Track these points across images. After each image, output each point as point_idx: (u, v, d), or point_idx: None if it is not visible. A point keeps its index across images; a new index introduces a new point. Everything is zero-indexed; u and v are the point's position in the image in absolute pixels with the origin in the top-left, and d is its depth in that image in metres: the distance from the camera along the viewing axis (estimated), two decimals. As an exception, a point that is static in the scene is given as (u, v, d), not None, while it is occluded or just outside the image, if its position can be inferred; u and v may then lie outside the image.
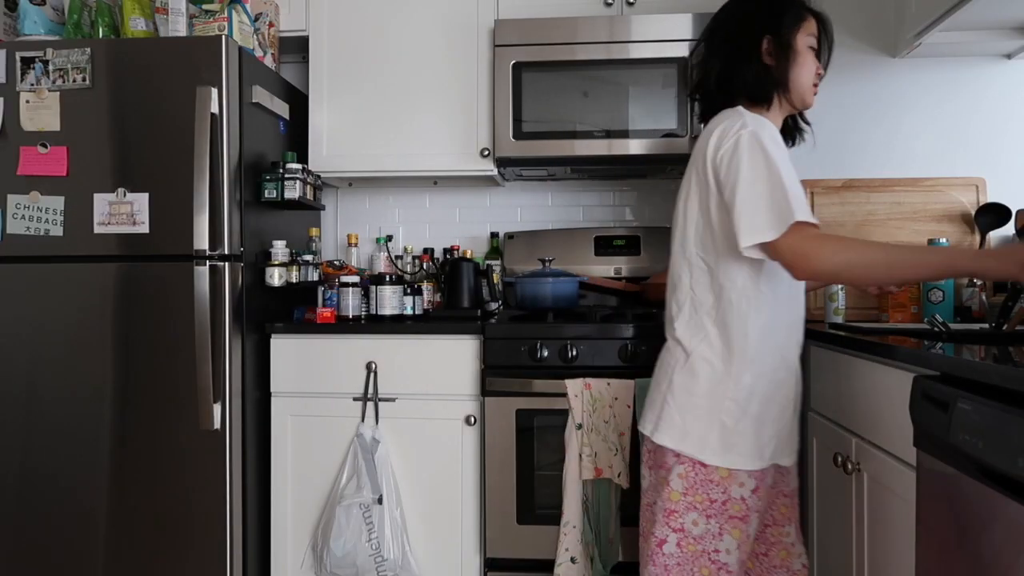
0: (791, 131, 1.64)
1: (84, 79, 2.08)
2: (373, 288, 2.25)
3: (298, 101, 2.56)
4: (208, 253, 2.02)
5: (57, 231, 2.09)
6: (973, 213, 2.23)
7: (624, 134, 2.30)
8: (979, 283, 2.10)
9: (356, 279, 2.27)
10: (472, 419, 2.14)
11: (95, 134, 2.09)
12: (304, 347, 2.19)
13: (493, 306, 2.48)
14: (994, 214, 2.18)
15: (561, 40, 2.32)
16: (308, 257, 2.33)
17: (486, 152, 2.44)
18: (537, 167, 2.49)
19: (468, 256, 2.52)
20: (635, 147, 2.31)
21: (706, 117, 1.59)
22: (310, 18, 2.51)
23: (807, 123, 1.64)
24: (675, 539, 1.45)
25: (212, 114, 2.02)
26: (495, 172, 2.47)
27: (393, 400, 2.16)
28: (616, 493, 1.98)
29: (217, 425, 2.04)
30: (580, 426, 1.96)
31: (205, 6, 2.22)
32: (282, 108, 2.42)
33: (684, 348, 1.48)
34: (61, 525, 2.10)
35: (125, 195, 2.08)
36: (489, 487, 2.10)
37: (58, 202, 2.09)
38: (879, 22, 2.36)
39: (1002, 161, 2.34)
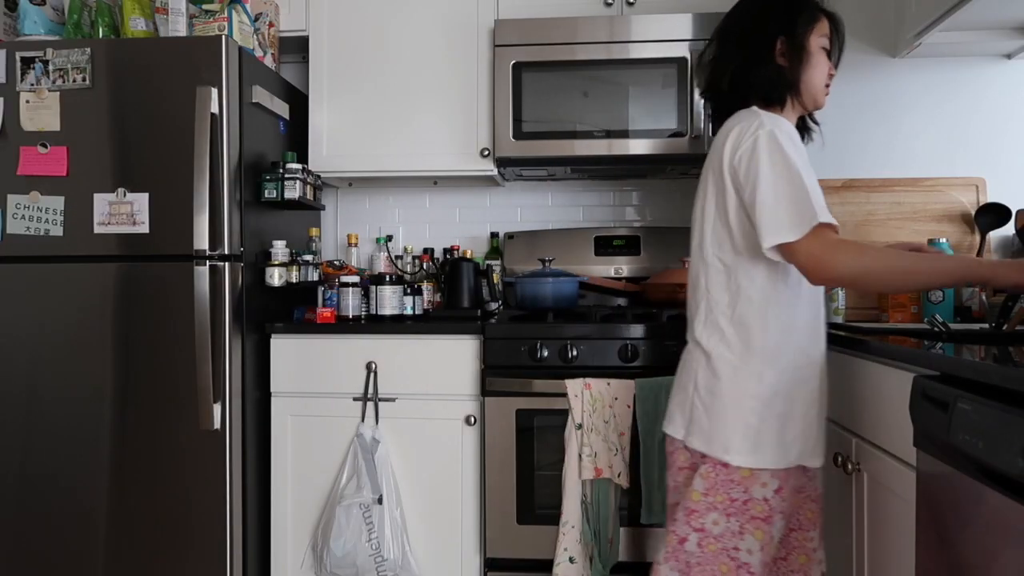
0: (801, 131, 1.64)
1: (84, 79, 2.08)
2: (373, 288, 2.25)
3: (298, 101, 2.56)
4: (208, 253, 2.02)
5: (57, 231, 2.09)
6: (973, 213, 2.23)
7: (624, 134, 2.30)
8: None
9: (356, 279, 2.27)
10: (472, 419, 2.13)
11: (95, 134, 2.09)
12: (304, 347, 2.19)
13: (493, 306, 2.48)
14: (994, 214, 2.18)
15: (561, 40, 2.32)
16: (308, 257, 2.33)
17: (486, 152, 2.44)
18: (537, 167, 2.49)
19: (468, 256, 2.52)
20: (635, 147, 2.30)
21: (719, 117, 1.59)
22: (310, 18, 2.51)
23: (816, 123, 1.64)
24: (696, 538, 1.45)
25: (212, 114, 2.02)
26: (495, 172, 2.47)
27: (393, 400, 2.16)
28: (616, 493, 1.98)
29: (217, 425, 2.04)
30: (580, 426, 1.96)
31: (205, 6, 2.22)
32: (282, 108, 2.42)
33: (704, 349, 1.48)
34: (61, 525, 2.10)
35: (125, 195, 2.08)
36: (489, 487, 2.10)
37: (58, 202, 2.09)
38: (879, 22, 2.35)
39: (1002, 161, 2.33)
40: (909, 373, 1.32)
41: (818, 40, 1.50)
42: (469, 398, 2.15)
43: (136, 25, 2.23)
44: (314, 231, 2.51)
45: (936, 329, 1.64)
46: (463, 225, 2.81)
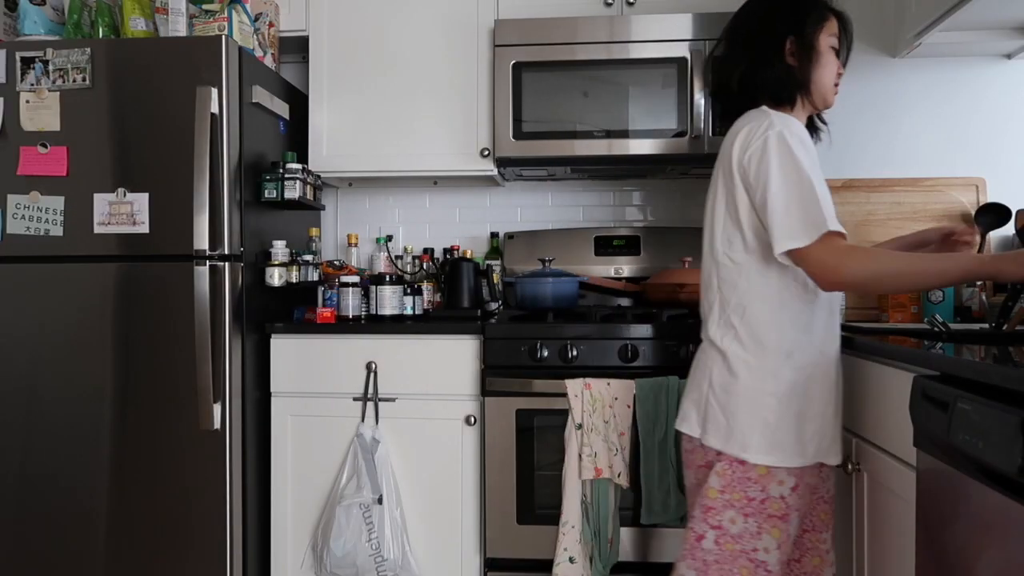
0: (809, 131, 1.64)
1: (84, 79, 2.08)
2: (373, 288, 2.25)
3: (298, 101, 2.56)
4: (208, 253, 2.02)
5: (57, 231, 2.09)
6: (973, 213, 2.23)
7: (624, 134, 2.30)
8: (979, 283, 2.10)
9: (356, 279, 2.27)
10: (472, 419, 2.13)
11: (95, 134, 2.09)
12: (304, 347, 2.19)
13: (493, 306, 2.48)
14: (994, 214, 2.18)
15: (561, 40, 2.32)
16: (308, 257, 2.33)
17: (486, 152, 2.44)
18: (537, 167, 2.49)
19: (468, 256, 2.52)
20: (635, 147, 2.30)
21: (728, 117, 1.59)
22: (310, 18, 2.51)
23: (824, 123, 1.64)
24: (713, 536, 1.45)
25: (212, 114, 2.02)
26: (495, 172, 2.47)
27: (393, 400, 2.16)
28: (616, 493, 1.98)
29: (217, 425, 2.04)
30: (580, 426, 1.96)
31: (205, 6, 2.22)
32: (282, 108, 2.42)
33: (718, 348, 1.48)
34: (61, 525, 2.10)
35: (125, 195, 2.08)
36: (489, 487, 2.09)
37: (58, 202, 2.09)
38: (879, 22, 2.35)
39: (1002, 161, 2.33)
40: (909, 373, 1.32)
41: (827, 39, 1.51)
42: (469, 398, 2.15)
43: (136, 25, 2.23)
44: (314, 231, 2.51)
45: (936, 329, 1.64)
46: (463, 225, 2.81)
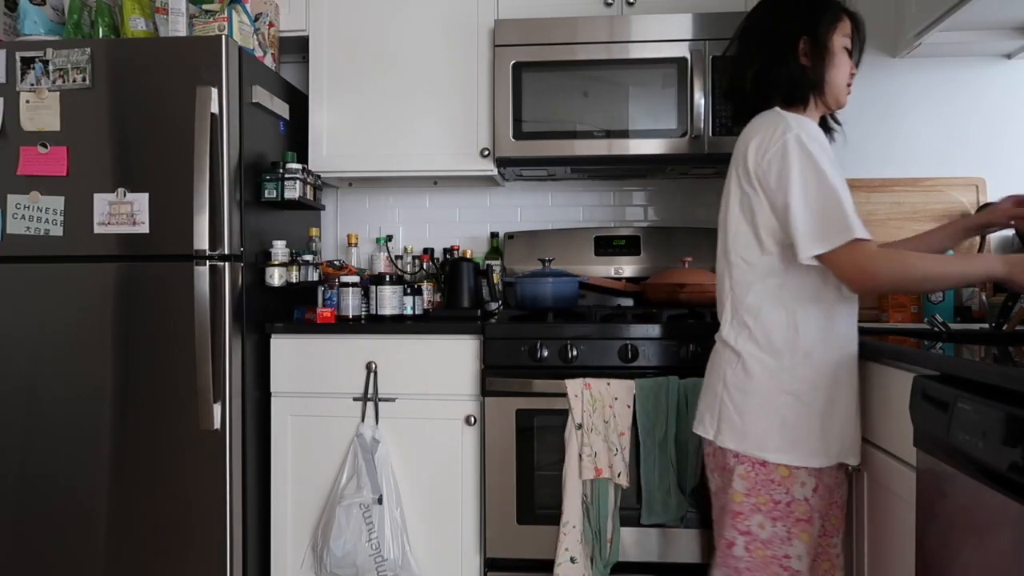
0: (822, 131, 1.64)
1: (84, 79, 2.08)
2: (373, 288, 2.25)
3: (298, 101, 2.56)
4: (208, 253, 2.02)
5: (57, 231, 2.09)
6: (973, 213, 2.23)
7: (624, 134, 2.30)
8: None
9: (356, 279, 2.27)
10: (472, 419, 2.13)
11: (95, 134, 2.09)
12: (304, 347, 2.19)
13: (493, 306, 2.48)
14: (994, 214, 2.17)
15: (561, 40, 2.32)
16: (308, 257, 2.33)
17: (486, 152, 2.44)
18: (537, 167, 2.49)
19: (468, 256, 2.52)
20: (635, 147, 2.30)
21: (741, 117, 1.60)
22: (310, 18, 2.51)
23: (838, 123, 1.64)
24: (743, 542, 1.45)
25: (212, 114, 2.02)
26: (495, 172, 2.47)
27: (393, 400, 2.16)
28: (616, 493, 1.98)
29: (217, 425, 2.04)
30: (580, 426, 1.96)
31: (205, 6, 2.22)
32: (282, 108, 2.42)
33: (733, 348, 1.49)
34: (61, 525, 2.10)
35: (125, 195, 2.08)
36: (489, 487, 2.09)
37: (58, 202, 2.09)
38: (879, 22, 2.35)
39: (1002, 161, 2.33)
40: (909, 373, 1.32)
41: (840, 39, 1.51)
42: (469, 398, 2.15)
43: (136, 25, 2.23)
44: (314, 231, 2.51)
45: (936, 329, 1.64)
46: (463, 225, 2.81)
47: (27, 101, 2.09)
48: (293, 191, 2.26)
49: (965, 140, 2.36)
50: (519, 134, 2.33)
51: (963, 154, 2.36)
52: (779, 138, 1.40)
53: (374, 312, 2.25)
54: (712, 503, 1.61)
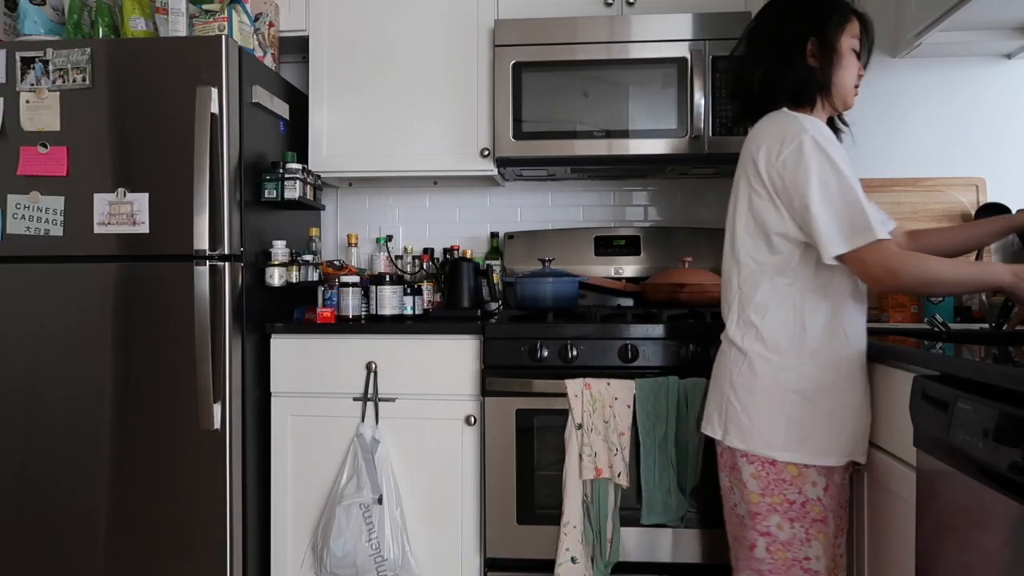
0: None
1: (84, 79, 2.08)
2: (373, 288, 2.25)
3: (298, 101, 2.56)
4: (208, 253, 2.02)
5: (57, 231, 2.09)
6: (973, 213, 2.23)
7: (624, 134, 2.30)
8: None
9: (356, 279, 2.27)
10: (472, 419, 2.13)
11: (95, 134, 2.09)
12: (304, 347, 2.19)
13: (493, 306, 2.48)
14: (994, 214, 2.17)
15: (561, 40, 2.32)
16: (308, 257, 2.33)
17: (486, 152, 2.44)
18: (537, 167, 2.49)
19: (468, 256, 2.52)
20: (635, 147, 2.31)
21: (747, 117, 1.60)
22: (310, 18, 2.51)
23: (845, 124, 1.64)
24: (763, 543, 1.46)
25: (212, 114, 2.02)
26: (495, 172, 2.47)
27: (393, 400, 2.16)
28: (616, 493, 1.98)
29: (217, 425, 2.04)
30: (580, 426, 1.96)
31: (205, 6, 2.22)
32: (282, 108, 2.42)
33: (739, 348, 1.50)
34: (61, 525, 2.10)
35: (125, 195, 2.08)
36: (489, 487, 2.09)
37: (58, 202, 2.09)
38: (879, 22, 2.33)
39: (1002, 161, 2.33)
40: (909, 373, 1.32)
41: (849, 41, 1.51)
42: (469, 398, 2.15)
43: (136, 25, 2.23)
44: (314, 231, 2.51)
45: (936, 329, 1.64)
46: (463, 225, 2.81)
47: (27, 101, 2.09)
48: (293, 191, 2.26)
49: (965, 140, 2.36)
50: (519, 134, 2.33)
51: (963, 154, 2.36)
52: (794, 139, 1.41)
53: (374, 312, 2.25)
54: (723, 504, 1.62)
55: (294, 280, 2.27)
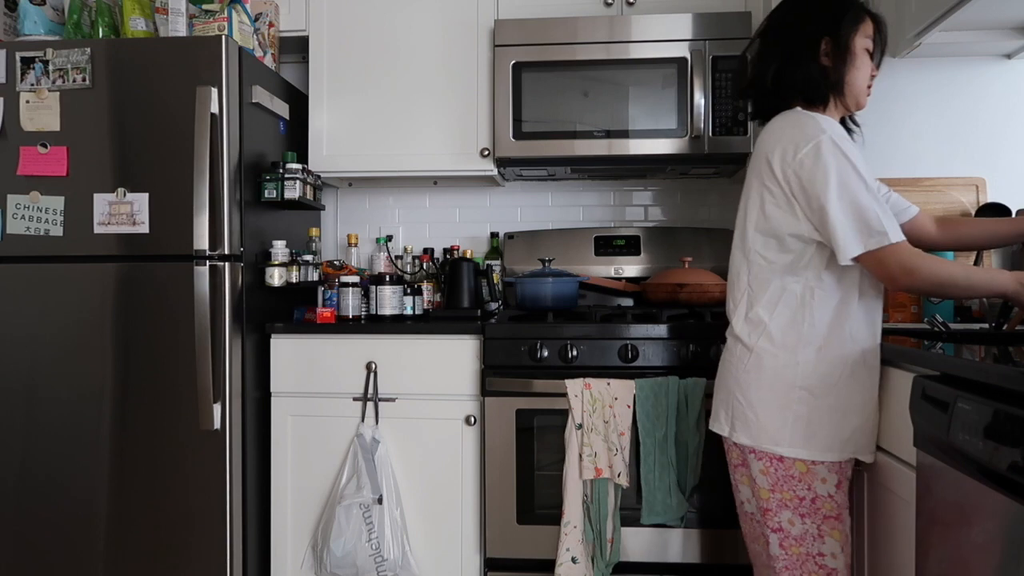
0: None
1: (84, 79, 2.08)
2: (373, 288, 2.25)
3: (298, 101, 2.56)
4: (208, 253, 2.02)
5: (57, 231, 2.09)
6: (973, 213, 2.23)
7: (624, 134, 2.30)
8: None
9: (356, 279, 2.27)
10: (472, 419, 2.13)
11: (95, 134, 2.09)
12: (304, 347, 2.19)
13: (493, 306, 2.48)
14: (994, 214, 2.17)
15: (561, 40, 2.32)
16: (308, 257, 2.33)
17: (486, 152, 2.44)
18: (537, 167, 2.49)
19: (468, 256, 2.52)
20: (635, 147, 2.31)
21: (759, 116, 1.61)
22: (310, 18, 2.51)
23: (856, 124, 1.64)
24: (776, 539, 1.47)
25: (212, 114, 2.02)
26: (495, 172, 2.47)
27: (393, 400, 2.16)
28: (616, 493, 1.98)
29: (217, 425, 2.04)
30: (580, 426, 1.96)
31: (205, 6, 2.22)
32: (282, 108, 2.42)
33: (745, 344, 1.50)
34: (61, 525, 2.10)
35: (125, 195, 2.08)
36: (489, 487, 2.09)
37: (58, 202, 2.09)
38: (879, 22, 2.35)
39: (1002, 161, 2.33)
40: (909, 373, 1.32)
41: (862, 41, 1.51)
42: (469, 398, 2.15)
43: (136, 25, 2.23)
44: (314, 231, 2.51)
45: (936, 329, 1.64)
46: (463, 225, 2.81)
47: (27, 101, 2.09)
48: (293, 191, 2.26)
49: (965, 140, 2.36)
50: (519, 134, 2.33)
51: (963, 154, 2.36)
52: (812, 138, 1.41)
53: (374, 312, 2.25)
54: (734, 501, 1.63)
55: (294, 280, 2.27)
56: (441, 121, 2.47)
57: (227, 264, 2.06)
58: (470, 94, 2.45)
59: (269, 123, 2.35)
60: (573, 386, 1.98)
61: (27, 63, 2.09)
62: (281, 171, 2.25)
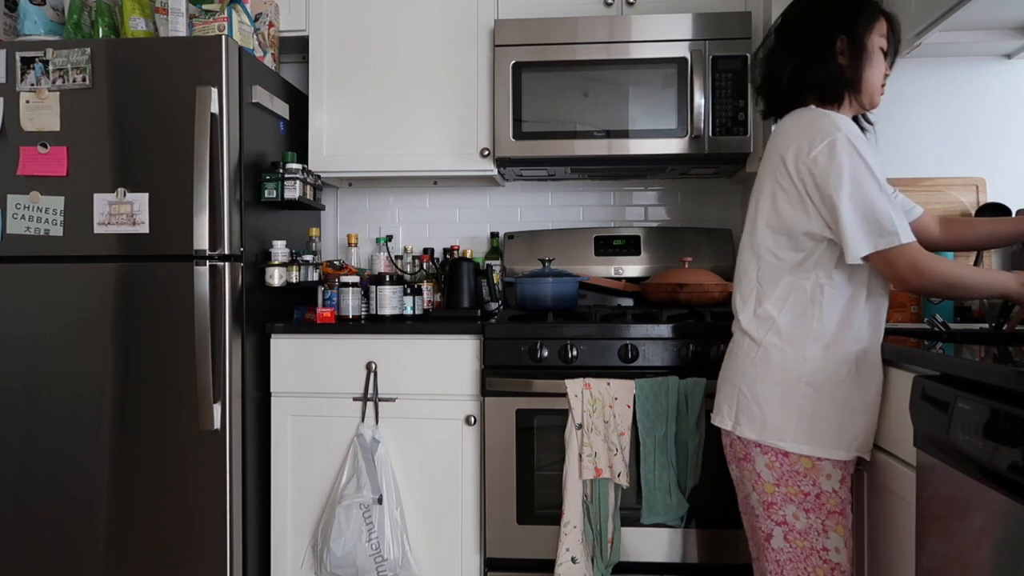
0: None
1: (84, 79, 2.08)
2: (373, 288, 2.25)
3: (298, 101, 2.56)
4: (208, 253, 2.02)
5: (57, 231, 2.09)
6: (973, 213, 2.23)
7: (624, 134, 2.30)
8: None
9: (356, 279, 2.27)
10: (472, 419, 2.13)
11: (95, 134, 2.09)
12: (304, 347, 2.19)
13: (493, 306, 2.48)
14: (994, 214, 2.18)
15: (561, 40, 2.32)
16: (308, 257, 2.33)
17: (486, 152, 2.44)
18: (537, 167, 2.49)
19: (468, 256, 2.52)
20: (635, 147, 2.30)
21: (773, 114, 1.61)
22: (310, 18, 2.51)
23: (870, 123, 1.65)
24: (780, 532, 1.47)
25: (212, 114, 2.02)
26: (495, 172, 2.47)
27: (393, 400, 2.16)
28: (616, 493, 1.98)
29: (217, 425, 2.04)
30: (580, 426, 1.96)
31: (205, 6, 2.22)
32: (282, 108, 2.42)
33: (752, 339, 1.51)
34: (61, 525, 2.10)
35: (125, 195, 2.08)
36: (489, 487, 2.09)
37: (58, 202, 2.09)
38: (879, 22, 2.35)
39: (1002, 161, 2.34)
40: (909, 373, 1.32)
41: (877, 40, 1.52)
42: (469, 398, 2.15)
43: (136, 25, 2.23)
44: (314, 231, 2.51)
45: (936, 329, 1.64)
46: (463, 225, 2.81)
47: (27, 101, 2.09)
48: (293, 191, 2.26)
49: (965, 140, 2.36)
50: (519, 134, 2.33)
51: (963, 154, 2.36)
52: (827, 136, 1.41)
53: (374, 312, 2.25)
54: (736, 496, 1.63)
55: (294, 280, 2.27)
56: (441, 121, 2.47)
57: (227, 264, 2.06)
58: (470, 94, 2.45)
59: (269, 123, 2.35)
60: (573, 386, 1.98)
61: (27, 63, 2.09)
62: (281, 171, 2.25)
